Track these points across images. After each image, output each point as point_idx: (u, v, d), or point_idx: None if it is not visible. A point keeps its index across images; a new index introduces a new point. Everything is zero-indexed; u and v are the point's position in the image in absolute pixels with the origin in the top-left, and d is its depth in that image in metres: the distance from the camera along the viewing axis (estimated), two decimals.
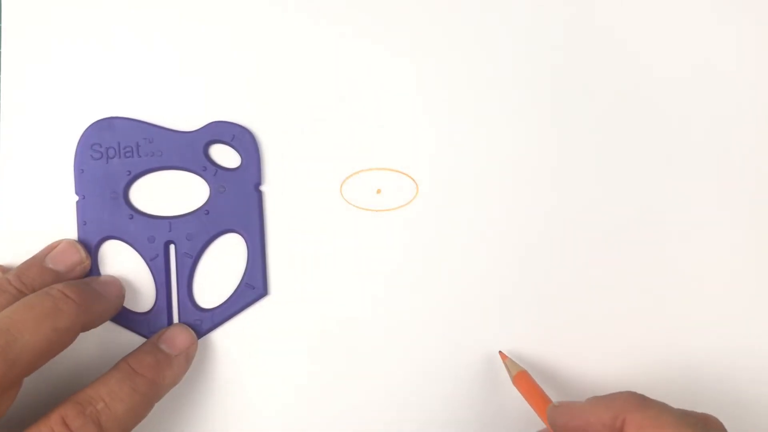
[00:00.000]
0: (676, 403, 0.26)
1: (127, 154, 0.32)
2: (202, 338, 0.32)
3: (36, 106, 0.32)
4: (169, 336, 0.30)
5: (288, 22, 0.33)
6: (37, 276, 0.29)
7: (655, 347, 0.32)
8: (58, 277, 0.30)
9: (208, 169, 0.32)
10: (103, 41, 0.32)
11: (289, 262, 0.32)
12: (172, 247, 0.32)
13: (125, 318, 0.31)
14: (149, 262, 0.32)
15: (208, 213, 0.32)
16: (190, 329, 0.31)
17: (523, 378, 0.30)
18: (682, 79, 0.34)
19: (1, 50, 0.32)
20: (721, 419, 0.26)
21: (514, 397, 0.31)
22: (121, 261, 0.32)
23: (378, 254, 0.32)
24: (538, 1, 0.33)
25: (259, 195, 0.32)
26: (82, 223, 0.31)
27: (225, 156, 0.32)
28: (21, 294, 0.29)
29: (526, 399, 0.30)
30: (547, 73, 0.33)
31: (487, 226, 0.33)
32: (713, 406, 0.28)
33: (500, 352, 0.32)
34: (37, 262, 0.30)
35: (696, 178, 0.33)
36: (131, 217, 0.32)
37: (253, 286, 0.32)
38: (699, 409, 0.26)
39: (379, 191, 0.32)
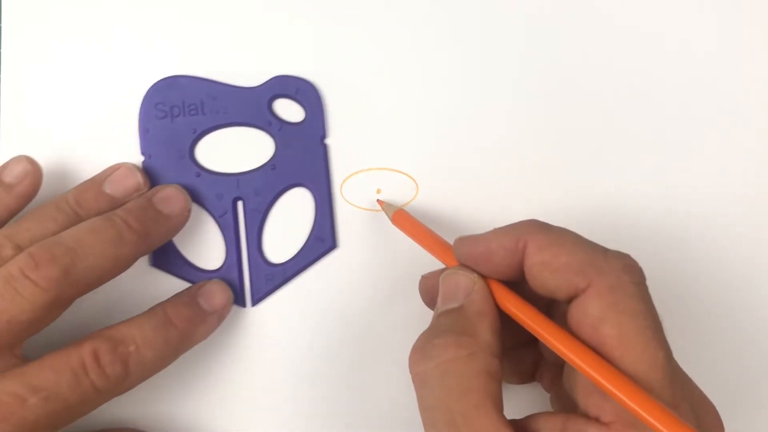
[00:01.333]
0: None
1: (192, 112, 0.32)
2: (271, 293, 0.32)
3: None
4: (208, 291, 0.30)
5: None
6: (93, 200, 0.29)
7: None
8: (114, 203, 0.30)
9: (272, 124, 0.32)
10: None
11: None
12: (240, 204, 0.32)
13: (196, 275, 0.31)
14: (218, 219, 0.32)
15: (274, 168, 0.32)
16: (229, 289, 0.31)
17: (402, 216, 0.30)
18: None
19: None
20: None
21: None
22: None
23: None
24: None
25: (325, 148, 0.32)
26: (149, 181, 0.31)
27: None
28: (77, 216, 0.29)
29: (411, 235, 0.29)
30: (548, 70, 0.33)
31: (487, 225, 0.32)
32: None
33: (378, 200, 0.32)
34: (95, 185, 0.30)
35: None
36: (198, 175, 0.32)
37: (322, 239, 0.32)
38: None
39: (379, 191, 0.32)
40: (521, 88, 0.33)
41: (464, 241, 0.26)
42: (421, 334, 0.25)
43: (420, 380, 0.24)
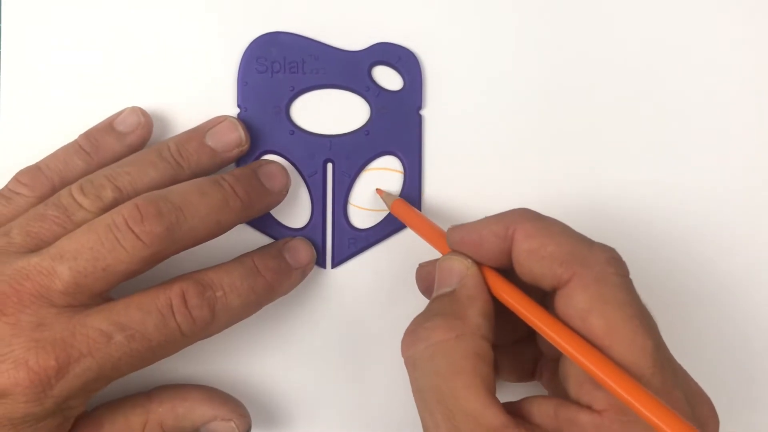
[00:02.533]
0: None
1: (292, 70, 0.32)
2: (352, 257, 0.32)
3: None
4: (294, 247, 0.30)
5: None
6: (194, 151, 0.29)
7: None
8: (215, 156, 0.30)
9: (370, 89, 0.32)
10: None
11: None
12: (329, 166, 0.32)
13: (280, 232, 0.32)
14: (307, 178, 0.32)
15: (368, 133, 0.32)
16: (312, 247, 0.31)
17: (401, 205, 0.30)
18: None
19: None
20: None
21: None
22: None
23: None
24: None
25: (420, 119, 0.32)
26: None
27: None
28: (178, 165, 0.29)
29: (408, 224, 0.30)
30: (546, 67, 0.33)
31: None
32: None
33: (377, 189, 0.32)
34: (198, 135, 0.30)
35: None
36: (292, 133, 0.32)
37: None
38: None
39: (379, 192, 0.32)
40: (522, 87, 0.33)
41: (456, 228, 0.27)
42: (414, 318, 0.26)
43: (411, 363, 0.25)
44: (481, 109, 0.32)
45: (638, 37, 0.33)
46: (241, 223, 0.30)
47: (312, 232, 0.32)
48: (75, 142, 0.30)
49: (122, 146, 0.30)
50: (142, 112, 0.30)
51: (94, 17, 0.32)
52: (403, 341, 0.25)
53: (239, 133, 0.30)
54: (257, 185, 0.29)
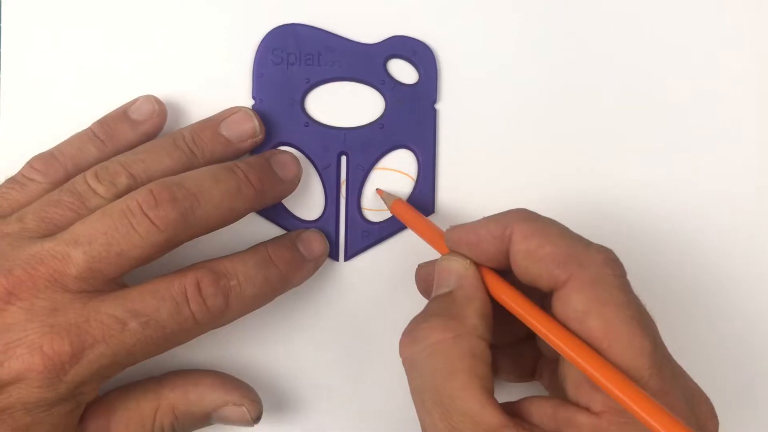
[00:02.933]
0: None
1: (308, 62, 0.32)
2: (365, 250, 0.32)
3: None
4: (307, 238, 0.30)
5: None
6: (209, 140, 0.29)
7: None
8: (229, 146, 0.30)
9: (386, 82, 0.32)
10: None
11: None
12: (344, 158, 0.32)
13: (293, 224, 0.32)
14: (321, 170, 0.32)
15: (383, 127, 0.32)
16: (325, 239, 0.31)
17: (401, 205, 0.30)
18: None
19: None
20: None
21: None
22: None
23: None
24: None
25: (435, 113, 0.32)
26: None
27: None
28: (192, 154, 0.29)
29: (408, 224, 0.30)
30: (546, 65, 0.32)
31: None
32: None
33: (377, 189, 0.32)
34: (213, 125, 0.30)
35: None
36: (307, 125, 0.32)
37: (420, 203, 0.32)
38: None
39: (380, 192, 0.32)
40: (522, 89, 0.33)
41: (455, 228, 0.27)
42: (412, 319, 0.26)
43: (409, 363, 0.25)
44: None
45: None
46: (253, 210, 0.30)
47: (325, 225, 0.32)
48: (89, 129, 0.30)
49: (136, 134, 0.30)
50: (157, 101, 0.30)
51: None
52: (401, 341, 0.25)
53: (254, 124, 0.30)
54: (270, 173, 0.29)
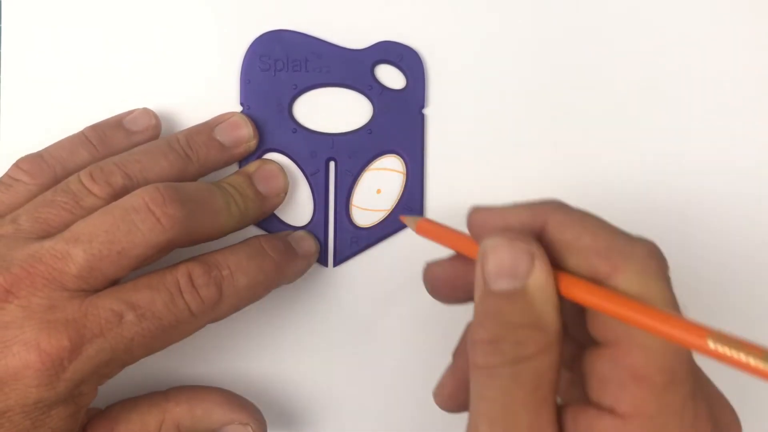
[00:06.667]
0: None
1: (295, 68, 0.32)
2: (354, 256, 0.32)
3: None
4: (299, 236, 0.31)
5: None
6: (203, 144, 0.30)
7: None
8: (223, 151, 0.30)
9: (373, 88, 0.32)
10: None
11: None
12: (332, 164, 0.32)
13: (282, 230, 0.32)
14: (309, 177, 0.32)
15: (370, 132, 0.32)
16: (315, 239, 0.31)
17: (427, 223, 0.28)
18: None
19: None
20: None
21: None
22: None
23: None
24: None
25: (422, 118, 0.32)
26: None
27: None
28: (187, 157, 0.29)
29: (438, 241, 0.27)
30: (549, 74, 0.33)
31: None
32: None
33: (401, 216, 0.31)
34: (207, 129, 0.30)
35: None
36: (294, 131, 0.32)
37: (410, 209, 0.32)
38: None
39: (379, 191, 0.32)
40: (523, 91, 0.33)
41: (480, 210, 0.24)
42: (480, 316, 0.23)
43: (487, 373, 0.22)
44: (484, 108, 0.32)
45: (641, 35, 0.33)
46: (239, 229, 0.30)
47: (314, 231, 0.32)
48: (81, 133, 0.30)
49: (129, 143, 0.30)
50: (154, 115, 0.31)
51: (96, 14, 0.32)
52: (479, 348, 0.22)
53: (248, 130, 0.31)
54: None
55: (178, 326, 0.26)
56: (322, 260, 0.32)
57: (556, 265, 0.22)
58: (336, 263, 0.32)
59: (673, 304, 0.22)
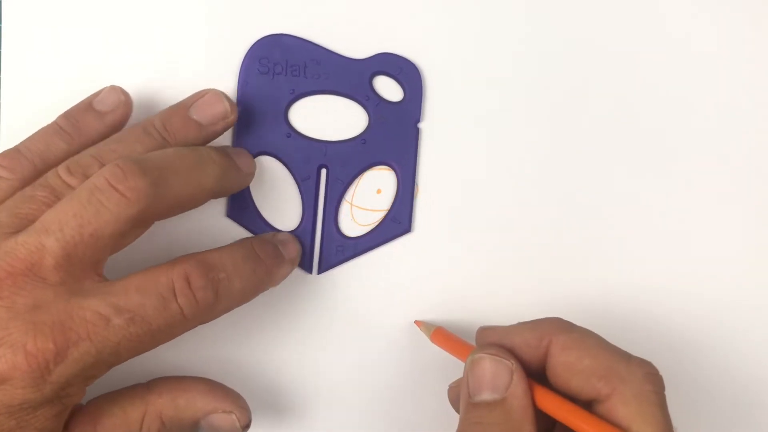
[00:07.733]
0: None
1: (294, 73, 0.32)
2: (339, 264, 0.32)
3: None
4: (284, 238, 0.31)
5: None
6: (180, 125, 0.29)
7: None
8: (201, 129, 0.29)
9: (370, 99, 0.32)
10: None
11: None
12: (324, 171, 0.32)
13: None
14: (300, 182, 0.32)
15: (364, 142, 0.32)
16: (298, 242, 0.31)
17: (441, 333, 0.30)
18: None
19: None
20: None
21: None
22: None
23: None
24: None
25: (417, 131, 0.32)
26: (239, 134, 0.31)
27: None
28: (164, 140, 0.29)
29: (449, 351, 0.29)
30: (550, 75, 0.33)
31: (487, 223, 0.32)
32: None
33: (415, 321, 0.32)
34: (182, 110, 0.30)
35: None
36: (289, 136, 0.32)
37: (399, 221, 0.32)
38: None
39: (379, 191, 0.32)
40: (523, 92, 0.33)
41: (487, 330, 0.27)
42: (464, 424, 0.25)
43: None
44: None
45: (642, 46, 0.33)
46: (221, 187, 0.29)
47: (301, 236, 0.32)
48: (54, 123, 0.29)
49: (103, 125, 0.29)
50: (122, 91, 0.30)
51: (96, 15, 0.32)
52: None
53: (223, 105, 0.30)
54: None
55: (169, 329, 0.26)
56: (307, 267, 0.32)
57: (561, 385, 0.25)
58: (320, 271, 0.32)
59: (666, 426, 0.24)
